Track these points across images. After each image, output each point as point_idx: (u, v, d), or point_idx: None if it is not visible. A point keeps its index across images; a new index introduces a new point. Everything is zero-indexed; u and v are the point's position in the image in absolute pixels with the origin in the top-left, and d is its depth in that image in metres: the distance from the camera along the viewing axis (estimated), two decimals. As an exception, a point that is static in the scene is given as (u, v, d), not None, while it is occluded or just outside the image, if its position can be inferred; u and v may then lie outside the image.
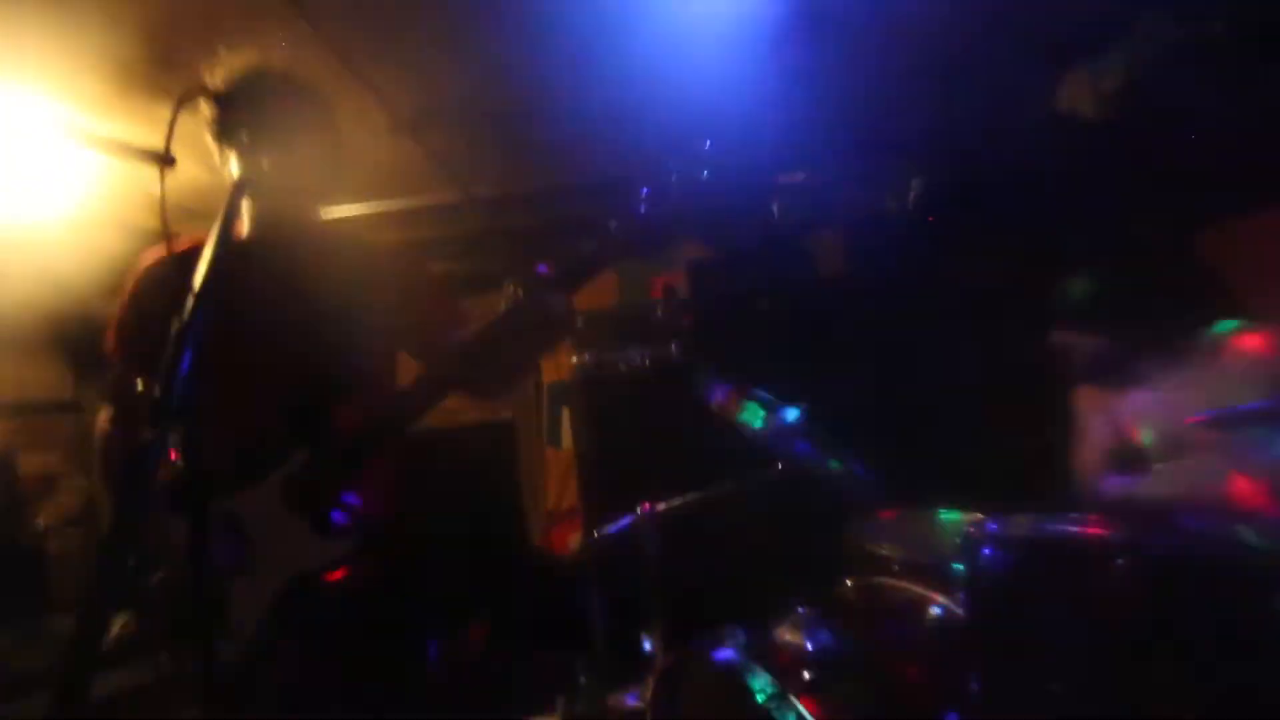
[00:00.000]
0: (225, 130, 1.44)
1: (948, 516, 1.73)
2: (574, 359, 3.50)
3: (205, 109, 1.44)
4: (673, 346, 3.47)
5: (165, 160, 1.11)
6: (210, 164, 1.53)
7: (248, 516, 1.37)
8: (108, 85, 2.25)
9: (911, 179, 3.46)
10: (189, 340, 0.90)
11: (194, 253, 1.46)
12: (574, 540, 3.62)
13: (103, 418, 1.54)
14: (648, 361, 3.42)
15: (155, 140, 2.11)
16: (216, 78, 1.44)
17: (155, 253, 1.58)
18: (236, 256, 1.52)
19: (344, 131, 1.58)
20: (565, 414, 3.85)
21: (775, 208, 3.77)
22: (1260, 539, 1.21)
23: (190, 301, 0.95)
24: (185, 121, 1.20)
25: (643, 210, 1.41)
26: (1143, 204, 2.62)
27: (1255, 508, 1.49)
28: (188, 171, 2.16)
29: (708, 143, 1.47)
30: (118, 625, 1.25)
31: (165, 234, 1.09)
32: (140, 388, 1.48)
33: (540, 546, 3.75)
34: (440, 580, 1.66)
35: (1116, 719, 1.16)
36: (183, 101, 1.08)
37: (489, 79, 2.57)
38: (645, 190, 1.42)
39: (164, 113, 1.13)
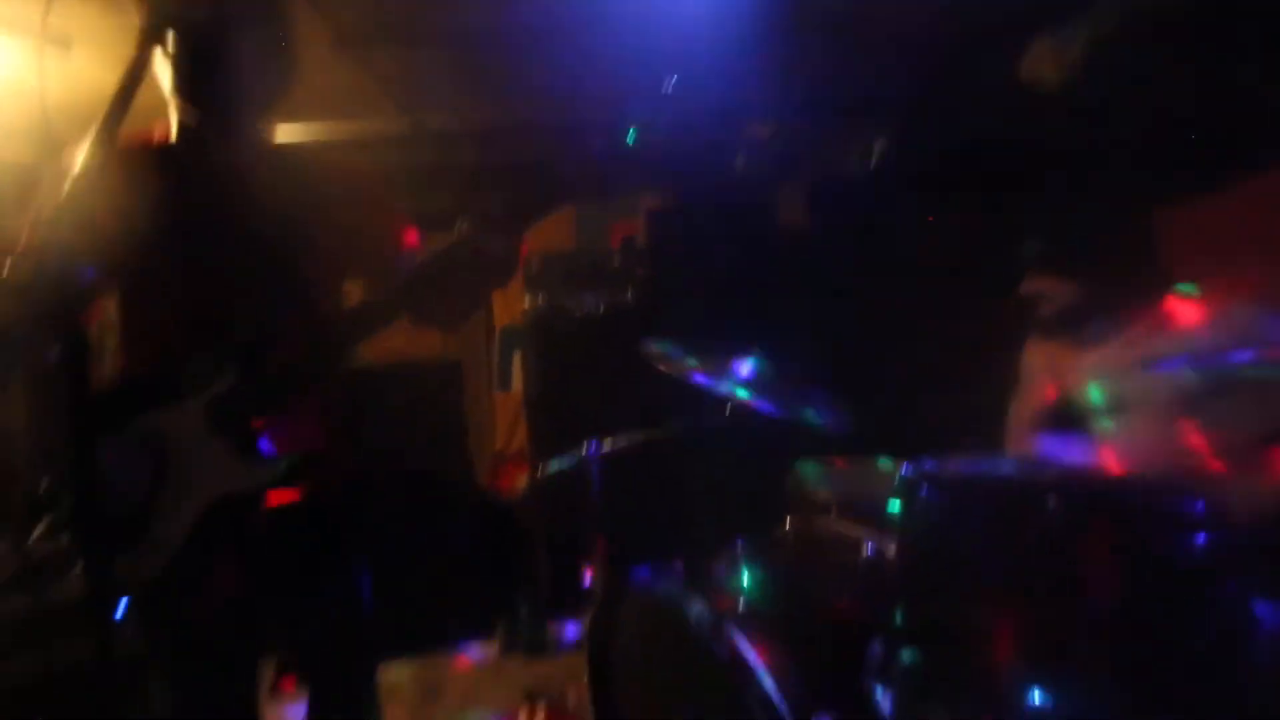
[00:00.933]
0: (154, 33, 1.32)
1: (886, 464, 1.73)
2: (528, 302, 3.43)
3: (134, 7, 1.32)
4: (628, 294, 3.43)
5: (48, 38, 0.99)
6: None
7: (170, 434, 1.30)
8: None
9: (875, 139, 3.43)
10: (60, 220, 0.81)
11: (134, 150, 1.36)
12: (521, 482, 3.59)
13: None
14: (602, 308, 3.37)
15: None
16: None
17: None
18: (162, 159, 1.43)
19: (287, 44, 1.48)
20: (516, 358, 3.78)
21: (740, 159, 3.71)
22: (1182, 487, 1.22)
23: (68, 184, 0.86)
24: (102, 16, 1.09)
25: (597, 154, 1.37)
26: (1101, 174, 2.62)
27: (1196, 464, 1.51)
28: (103, 76, 2.01)
29: (670, 82, 1.42)
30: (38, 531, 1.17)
31: (44, 120, 0.99)
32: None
33: (486, 486, 3.72)
34: (373, 513, 1.61)
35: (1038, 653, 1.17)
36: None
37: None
38: (602, 133, 1.38)
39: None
